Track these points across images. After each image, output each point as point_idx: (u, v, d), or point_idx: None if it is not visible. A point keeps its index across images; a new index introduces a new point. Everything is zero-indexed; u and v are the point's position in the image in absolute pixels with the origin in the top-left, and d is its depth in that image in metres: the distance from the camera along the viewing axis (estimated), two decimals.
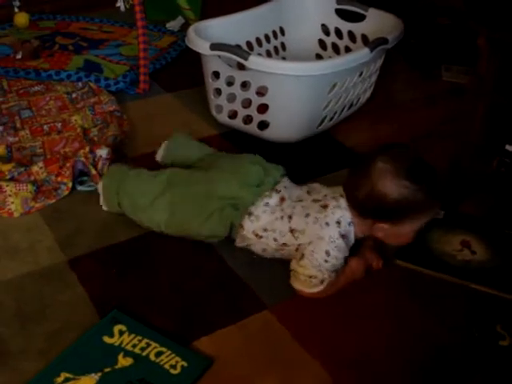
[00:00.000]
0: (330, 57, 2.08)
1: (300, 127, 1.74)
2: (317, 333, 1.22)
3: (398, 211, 1.25)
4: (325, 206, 1.29)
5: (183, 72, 2.15)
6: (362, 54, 1.71)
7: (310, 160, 1.72)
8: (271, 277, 1.33)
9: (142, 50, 1.97)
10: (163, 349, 1.16)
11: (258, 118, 1.72)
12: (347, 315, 1.25)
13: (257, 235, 1.33)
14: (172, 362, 1.14)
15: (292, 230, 1.30)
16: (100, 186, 1.49)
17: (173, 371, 1.12)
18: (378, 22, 1.94)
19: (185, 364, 1.13)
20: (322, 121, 1.77)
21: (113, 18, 2.53)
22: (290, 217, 1.31)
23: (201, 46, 1.70)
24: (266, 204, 1.34)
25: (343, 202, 1.29)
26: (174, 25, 2.52)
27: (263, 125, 1.74)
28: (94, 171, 1.55)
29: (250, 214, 1.34)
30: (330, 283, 1.27)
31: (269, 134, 1.73)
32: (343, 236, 1.28)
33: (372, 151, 1.29)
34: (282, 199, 1.35)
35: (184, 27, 2.39)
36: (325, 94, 1.70)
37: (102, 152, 1.58)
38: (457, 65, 2.25)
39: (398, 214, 1.26)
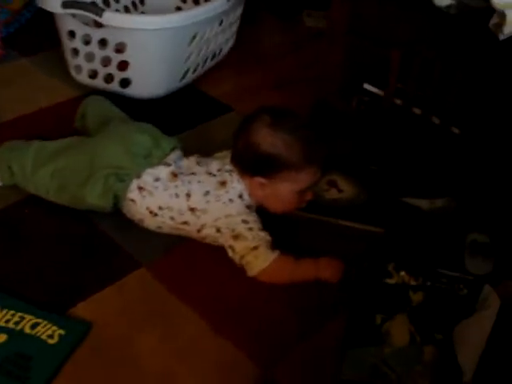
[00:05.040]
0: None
1: (162, 82, 1.71)
2: (194, 286, 1.23)
3: (270, 163, 1.23)
4: (223, 183, 1.27)
5: (40, 34, 2.05)
6: (219, 3, 1.69)
7: (176, 114, 1.71)
8: (143, 236, 1.32)
9: None
10: (38, 320, 1.13)
11: (119, 75, 1.68)
12: (224, 267, 1.26)
13: (151, 212, 1.28)
14: (49, 331, 1.11)
15: (192, 209, 1.27)
16: None
17: (50, 341, 1.10)
18: None
19: (62, 332, 1.11)
20: (185, 73, 1.76)
21: None
22: (187, 195, 1.27)
23: (52, 5, 1.62)
24: (157, 179, 1.29)
25: (237, 175, 1.28)
26: None
27: (125, 82, 1.69)
28: None
29: (140, 188, 1.28)
30: (288, 261, 1.23)
31: (132, 91, 1.69)
32: (248, 207, 1.27)
33: (259, 108, 1.28)
34: (174, 175, 1.29)
35: None
36: (185, 46, 1.68)
37: None
38: (318, 10, 2.28)
39: (271, 167, 1.24)
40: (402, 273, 1.23)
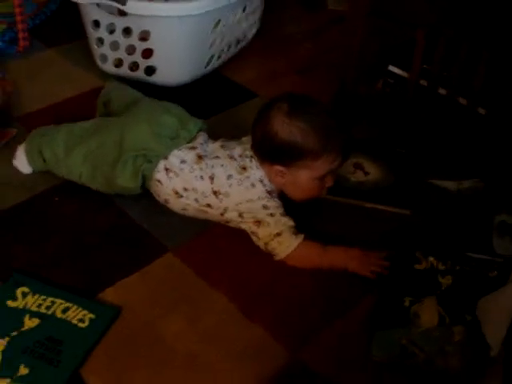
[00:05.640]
0: None
1: (187, 68, 1.72)
2: (221, 270, 1.24)
3: (288, 152, 1.23)
4: (244, 168, 1.27)
5: (65, 25, 2.07)
6: None
7: (202, 100, 1.72)
8: (170, 221, 1.33)
9: (17, 6, 1.88)
10: (69, 304, 1.15)
11: (144, 63, 1.69)
12: (251, 249, 1.27)
13: (176, 193, 1.30)
14: (79, 316, 1.13)
15: (215, 192, 1.27)
16: (20, 150, 1.44)
17: (81, 325, 1.12)
18: None
19: (92, 316, 1.13)
20: (210, 60, 1.76)
21: None
22: (211, 178, 1.28)
23: None
24: (183, 161, 1.29)
25: (256, 161, 1.28)
26: None
27: (150, 70, 1.71)
28: None
29: (167, 169, 1.30)
30: (314, 246, 1.24)
31: (157, 78, 1.71)
32: (269, 192, 1.27)
33: (277, 96, 1.28)
34: (199, 157, 1.30)
35: None
36: (209, 33, 1.68)
37: None
38: None
39: (289, 156, 1.24)
40: (431, 258, 1.23)
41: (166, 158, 1.31)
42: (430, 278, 1.20)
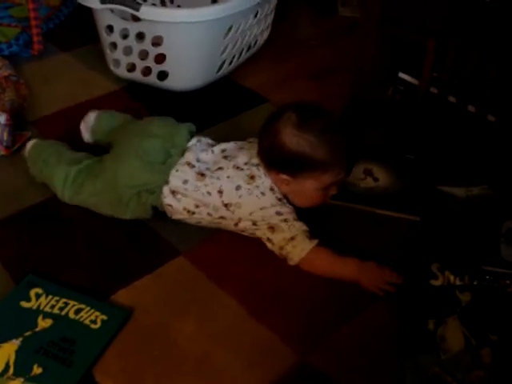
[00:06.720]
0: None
1: (199, 74, 1.74)
2: (232, 273, 1.25)
3: (295, 163, 1.24)
4: (252, 177, 1.28)
5: (78, 29, 2.09)
6: None
7: (213, 105, 1.73)
8: (182, 225, 1.34)
9: (31, 10, 1.90)
10: (82, 306, 1.17)
11: (156, 68, 1.71)
12: (261, 253, 1.28)
13: (189, 211, 1.30)
14: (92, 317, 1.15)
15: (226, 205, 1.27)
16: (27, 153, 1.46)
17: (93, 326, 1.14)
18: None
19: (104, 317, 1.15)
20: (221, 65, 1.78)
21: None
22: (219, 192, 1.27)
23: (91, 1, 1.66)
24: (185, 181, 1.29)
25: (263, 169, 1.28)
26: None
27: (163, 75, 1.72)
28: None
29: (173, 192, 1.30)
30: (328, 252, 1.24)
31: (169, 83, 1.72)
32: (280, 199, 1.28)
33: (286, 104, 1.28)
34: (201, 174, 1.29)
35: None
36: (221, 39, 1.70)
37: (0, 118, 1.54)
38: None
39: (295, 166, 1.24)
40: (447, 272, 1.21)
41: (167, 182, 1.30)
42: (448, 294, 1.18)
